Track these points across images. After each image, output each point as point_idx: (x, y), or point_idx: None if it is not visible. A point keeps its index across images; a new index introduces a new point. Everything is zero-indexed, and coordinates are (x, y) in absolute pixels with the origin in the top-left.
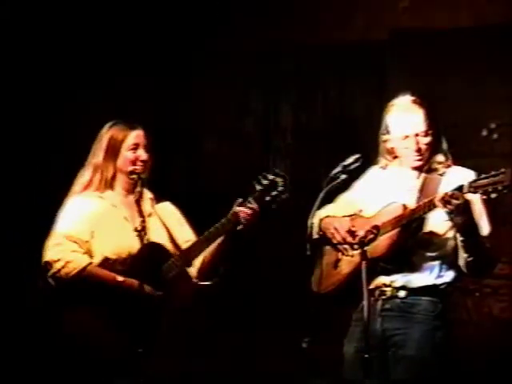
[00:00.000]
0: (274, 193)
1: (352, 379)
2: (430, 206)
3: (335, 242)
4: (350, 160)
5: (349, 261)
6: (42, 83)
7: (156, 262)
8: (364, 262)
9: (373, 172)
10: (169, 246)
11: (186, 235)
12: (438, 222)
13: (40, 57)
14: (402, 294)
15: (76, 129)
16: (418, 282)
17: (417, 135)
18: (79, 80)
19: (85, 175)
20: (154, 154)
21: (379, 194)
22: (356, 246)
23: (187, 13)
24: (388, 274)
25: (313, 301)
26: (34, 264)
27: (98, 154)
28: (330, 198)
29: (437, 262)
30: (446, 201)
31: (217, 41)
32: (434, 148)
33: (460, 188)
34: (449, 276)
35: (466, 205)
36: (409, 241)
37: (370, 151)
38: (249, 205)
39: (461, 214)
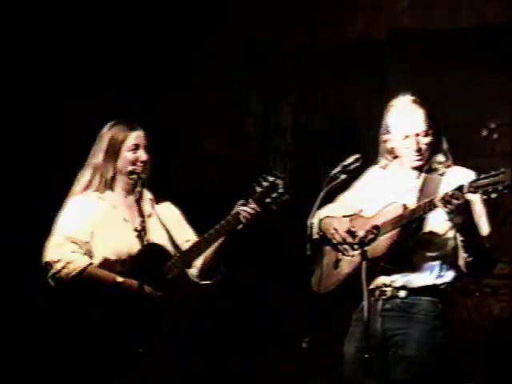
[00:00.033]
0: (274, 194)
1: (352, 379)
2: (430, 205)
3: (335, 242)
4: (350, 160)
5: (349, 261)
6: (42, 83)
7: (156, 262)
8: (364, 262)
9: (373, 172)
10: (169, 246)
11: (185, 235)
12: (438, 222)
13: (40, 57)
14: (402, 294)
15: (76, 129)
16: (418, 282)
17: (417, 135)
18: (79, 80)
19: (85, 176)
20: (154, 155)
21: (379, 193)
22: (356, 246)
23: (187, 13)
24: (388, 274)
25: (313, 301)
26: (34, 264)
27: (97, 155)
28: (330, 198)
29: (437, 262)
30: (446, 201)
31: (217, 41)
32: (434, 148)
33: (460, 188)
34: (449, 276)
35: (466, 205)
36: (409, 241)
37: (370, 151)
38: (249, 207)
39: (461, 213)
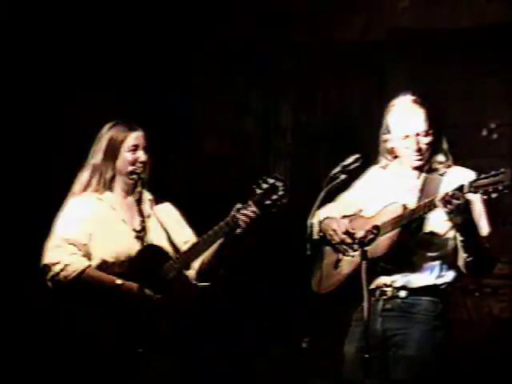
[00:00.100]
0: (274, 197)
1: (352, 379)
2: (431, 205)
3: (334, 243)
4: (350, 160)
5: (349, 261)
6: (42, 83)
7: (154, 263)
8: (364, 262)
9: (373, 172)
10: (167, 247)
11: (184, 236)
12: (439, 222)
13: (40, 57)
14: (402, 294)
15: (76, 129)
16: (419, 282)
17: (417, 135)
18: (79, 80)
19: (84, 176)
20: (154, 155)
21: (379, 193)
22: (356, 247)
23: (187, 13)
24: (388, 274)
25: (313, 301)
26: (34, 264)
27: (97, 155)
28: (330, 198)
29: (437, 262)
30: (446, 201)
31: (217, 41)
32: (434, 148)
33: (460, 188)
34: (449, 276)
35: (466, 205)
36: (409, 241)
37: (369, 151)
38: (248, 209)
39: (461, 213)
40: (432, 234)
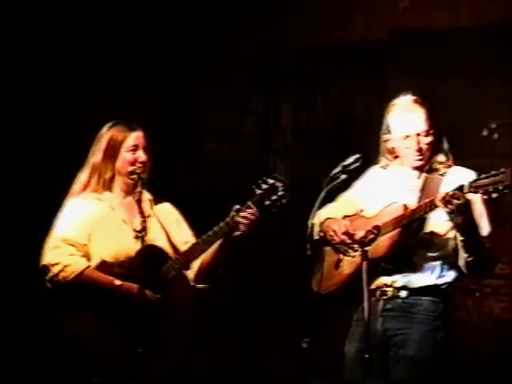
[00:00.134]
0: (274, 197)
1: (352, 379)
2: (431, 206)
3: (335, 243)
4: (350, 160)
5: (350, 261)
6: (42, 83)
7: (154, 264)
8: (365, 263)
9: (373, 172)
10: (167, 247)
11: (184, 237)
12: (439, 222)
13: (40, 57)
14: (403, 294)
15: (76, 129)
16: (419, 282)
17: (418, 135)
18: (79, 80)
19: (83, 176)
20: (154, 154)
21: (380, 193)
22: (356, 247)
23: (187, 13)
24: (389, 274)
25: (313, 301)
26: (34, 264)
27: (96, 155)
28: (330, 198)
29: (438, 262)
30: (446, 201)
31: (217, 41)
32: (434, 148)
33: (461, 188)
34: (450, 276)
35: (467, 205)
36: (410, 241)
37: (370, 151)
38: (248, 210)
39: (461, 213)
40: (433, 234)
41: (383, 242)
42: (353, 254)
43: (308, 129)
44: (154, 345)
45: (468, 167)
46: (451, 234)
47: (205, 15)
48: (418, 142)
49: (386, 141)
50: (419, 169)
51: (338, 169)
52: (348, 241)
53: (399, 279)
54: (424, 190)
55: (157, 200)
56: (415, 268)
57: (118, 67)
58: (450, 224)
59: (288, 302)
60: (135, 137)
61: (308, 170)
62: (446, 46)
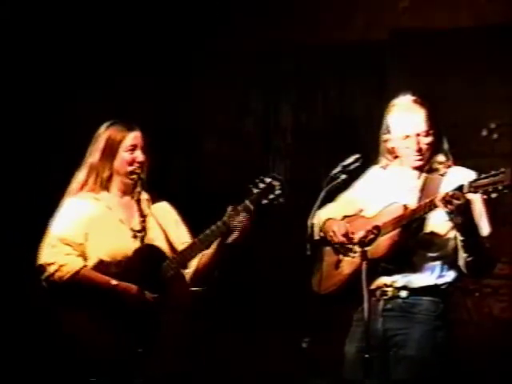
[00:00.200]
0: (271, 196)
1: (352, 379)
2: (431, 206)
3: (334, 244)
4: (350, 160)
5: (350, 261)
6: (42, 83)
7: (151, 263)
8: (365, 263)
9: (373, 172)
10: (165, 247)
11: (182, 236)
12: (439, 222)
13: (40, 57)
14: (403, 294)
15: (76, 129)
16: (419, 282)
17: (418, 135)
18: (79, 80)
19: (80, 175)
20: (154, 154)
21: (380, 193)
22: (356, 248)
23: (187, 13)
24: (389, 274)
25: (313, 301)
26: (33, 264)
27: (94, 154)
28: (330, 198)
29: (438, 262)
30: (446, 201)
31: (217, 41)
32: (434, 148)
33: (460, 188)
34: (450, 276)
35: (467, 205)
36: (410, 241)
37: (370, 151)
38: (241, 214)
39: (461, 213)
40: (432, 234)
41: (383, 242)
42: (352, 255)
43: (308, 129)
44: (153, 345)
45: (468, 167)
46: (451, 234)
47: (205, 15)
48: (418, 142)
49: (385, 141)
50: (419, 169)
51: (338, 169)
52: (347, 243)
53: (399, 279)
54: (424, 190)
55: (154, 199)
56: (415, 268)
57: (118, 67)
58: (450, 224)
59: (288, 301)
60: (133, 137)
61: (308, 169)
62: (446, 46)
